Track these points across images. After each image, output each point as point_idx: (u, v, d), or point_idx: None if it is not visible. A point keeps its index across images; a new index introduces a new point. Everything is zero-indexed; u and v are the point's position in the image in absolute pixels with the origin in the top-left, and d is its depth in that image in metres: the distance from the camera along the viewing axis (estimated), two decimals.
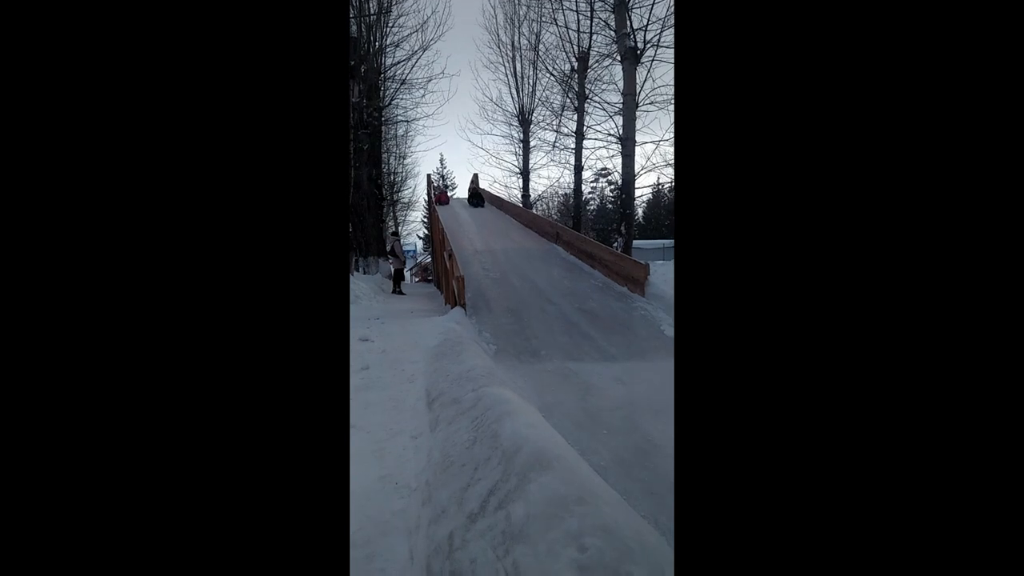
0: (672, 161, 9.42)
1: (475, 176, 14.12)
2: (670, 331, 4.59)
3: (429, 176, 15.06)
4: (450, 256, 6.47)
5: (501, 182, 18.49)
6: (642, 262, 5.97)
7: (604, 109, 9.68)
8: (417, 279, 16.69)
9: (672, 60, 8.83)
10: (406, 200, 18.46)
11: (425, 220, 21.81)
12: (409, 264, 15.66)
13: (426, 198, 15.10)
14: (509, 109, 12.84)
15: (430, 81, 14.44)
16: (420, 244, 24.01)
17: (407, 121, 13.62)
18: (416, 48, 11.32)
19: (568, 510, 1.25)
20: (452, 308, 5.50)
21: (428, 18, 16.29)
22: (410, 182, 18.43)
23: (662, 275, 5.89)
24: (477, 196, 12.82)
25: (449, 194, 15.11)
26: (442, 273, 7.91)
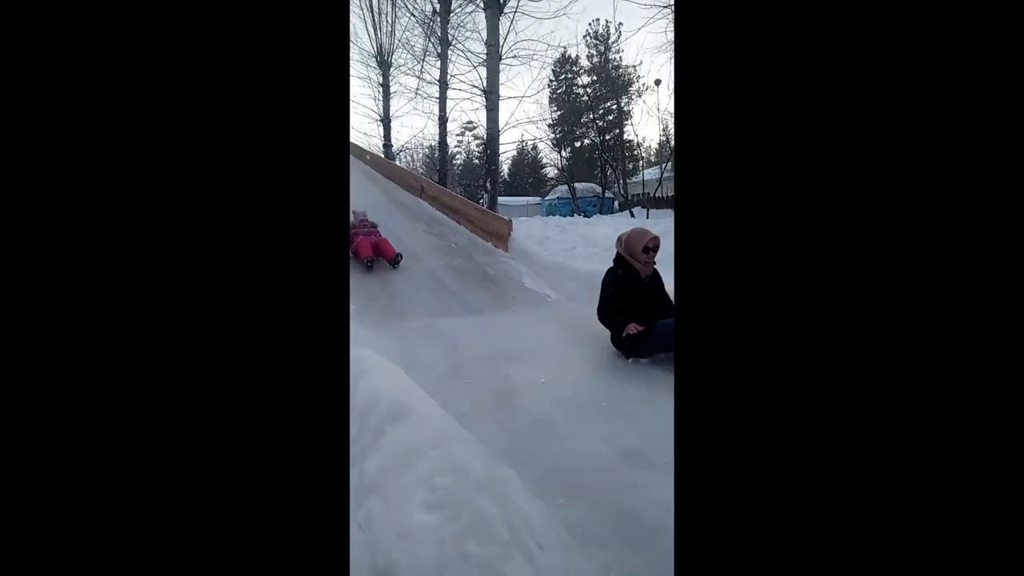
0: (534, 119, 9.64)
1: None
2: (530, 283, 4.87)
3: None
4: None
5: (359, 129, 17.04)
6: (506, 218, 6.14)
7: (468, 59, 9.50)
8: None
9: (536, 15, 8.91)
10: None
11: None
12: None
13: None
14: (366, 48, 11.83)
15: None
16: None
17: None
18: None
19: (421, 456, 1.29)
20: None
21: None
22: None
23: (525, 231, 6.14)
24: None
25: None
26: None
